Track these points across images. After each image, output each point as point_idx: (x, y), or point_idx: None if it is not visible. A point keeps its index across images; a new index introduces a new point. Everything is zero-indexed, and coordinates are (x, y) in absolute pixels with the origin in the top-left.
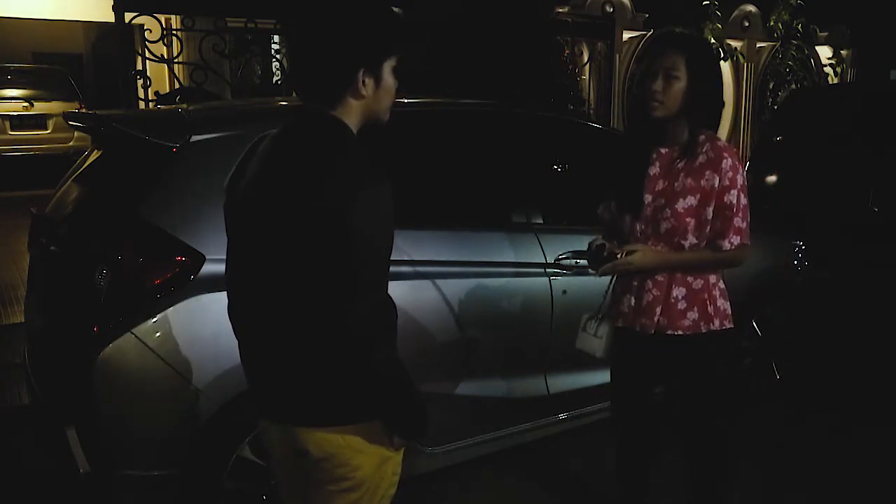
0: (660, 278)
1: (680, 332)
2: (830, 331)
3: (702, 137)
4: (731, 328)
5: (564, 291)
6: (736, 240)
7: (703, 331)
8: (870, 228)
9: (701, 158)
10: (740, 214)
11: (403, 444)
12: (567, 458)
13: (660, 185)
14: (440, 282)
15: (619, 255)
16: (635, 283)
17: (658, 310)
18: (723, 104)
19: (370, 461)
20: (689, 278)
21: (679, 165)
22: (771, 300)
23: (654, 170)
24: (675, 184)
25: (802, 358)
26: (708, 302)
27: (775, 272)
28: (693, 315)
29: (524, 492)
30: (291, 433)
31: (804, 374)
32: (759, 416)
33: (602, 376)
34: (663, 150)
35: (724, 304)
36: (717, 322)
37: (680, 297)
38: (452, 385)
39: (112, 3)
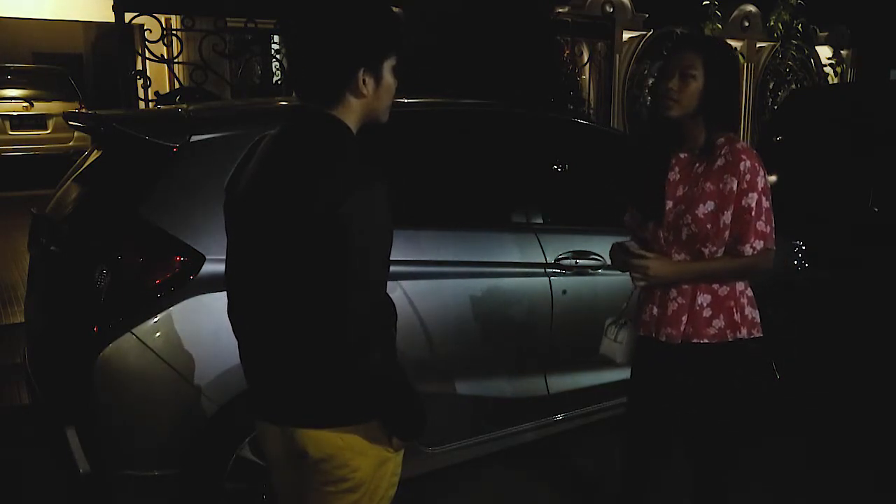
0: (684, 286)
1: (706, 341)
2: (830, 331)
3: (721, 140)
4: (759, 337)
5: (564, 291)
6: (759, 244)
7: (730, 339)
8: (870, 228)
9: (720, 161)
10: (762, 218)
11: (403, 446)
12: (568, 458)
13: (680, 191)
14: (440, 282)
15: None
16: (658, 292)
17: (684, 318)
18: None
19: (369, 462)
20: (715, 285)
21: (698, 170)
22: (771, 300)
23: (674, 175)
24: (695, 189)
25: (802, 358)
26: (734, 309)
27: (775, 272)
28: (719, 323)
29: (524, 492)
30: (290, 434)
31: (804, 374)
32: (759, 416)
33: (602, 376)
34: (682, 155)
35: (752, 313)
36: (744, 331)
37: (705, 305)
38: (452, 385)
39: (112, 3)
